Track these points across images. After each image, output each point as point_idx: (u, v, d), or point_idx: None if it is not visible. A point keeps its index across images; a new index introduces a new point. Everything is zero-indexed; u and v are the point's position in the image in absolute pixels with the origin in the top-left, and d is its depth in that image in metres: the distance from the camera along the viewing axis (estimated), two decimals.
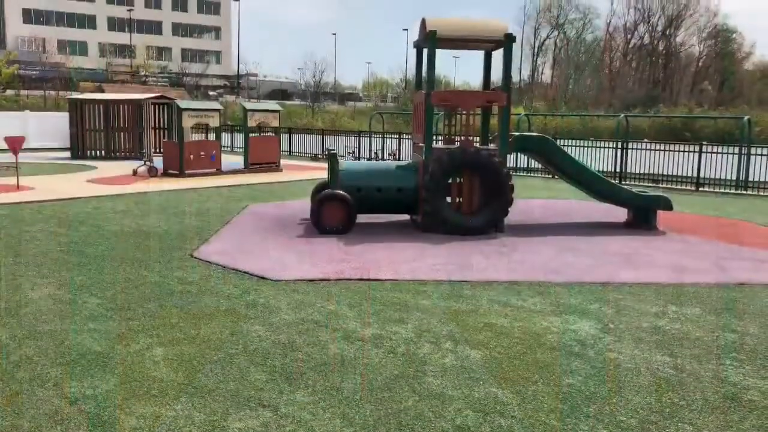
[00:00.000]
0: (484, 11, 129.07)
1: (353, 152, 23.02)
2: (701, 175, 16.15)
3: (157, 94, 23.30)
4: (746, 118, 18.42)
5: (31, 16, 75.29)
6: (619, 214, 10.62)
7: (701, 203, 13.43)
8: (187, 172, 15.82)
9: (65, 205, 10.95)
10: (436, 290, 6.19)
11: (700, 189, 16.12)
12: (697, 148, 16.40)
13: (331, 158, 9.38)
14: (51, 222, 9.30)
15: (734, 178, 16.31)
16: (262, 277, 6.48)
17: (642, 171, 17.42)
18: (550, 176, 17.86)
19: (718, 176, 16.17)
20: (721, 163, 16.13)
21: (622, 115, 22.05)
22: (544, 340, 4.88)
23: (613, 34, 76.03)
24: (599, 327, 5.20)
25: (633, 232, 9.61)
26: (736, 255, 8.07)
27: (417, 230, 9.37)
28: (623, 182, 16.67)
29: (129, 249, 7.66)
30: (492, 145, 10.03)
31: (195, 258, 7.26)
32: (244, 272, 6.67)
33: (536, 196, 13.90)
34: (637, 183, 17.03)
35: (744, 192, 15.80)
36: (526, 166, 19.33)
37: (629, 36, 75.30)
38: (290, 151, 25.51)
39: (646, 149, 17.62)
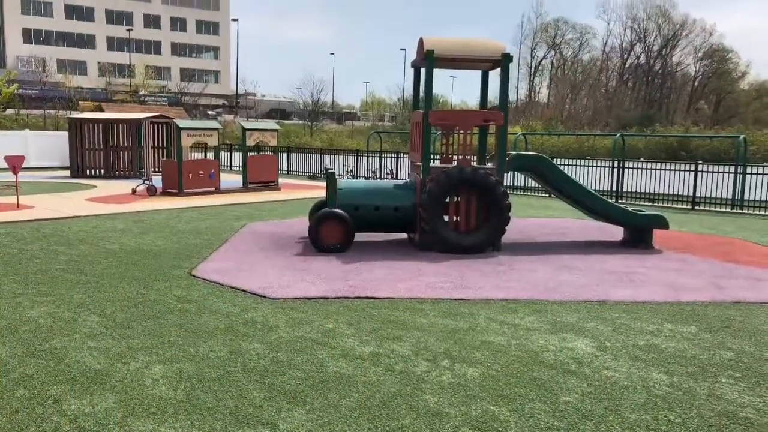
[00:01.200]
0: (481, 31, 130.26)
1: (351, 171, 23.13)
2: (697, 194, 16.25)
3: (156, 114, 23.42)
4: (742, 137, 18.57)
5: (30, 36, 75.83)
6: (616, 232, 10.69)
7: (697, 222, 13.50)
8: (186, 190, 15.89)
9: (65, 223, 10.98)
10: (434, 308, 6.22)
11: (696, 208, 16.21)
12: (692, 168, 16.52)
13: (329, 177, 9.45)
14: (50, 240, 9.33)
15: (730, 197, 16.41)
16: (261, 296, 6.51)
17: (638, 190, 17.53)
18: (547, 195, 17.95)
19: (713, 195, 16.27)
20: (716, 182, 16.24)
21: (619, 134, 22.20)
22: (541, 357, 4.91)
23: (610, 54, 76.77)
24: (596, 345, 5.23)
25: (629, 250, 9.66)
26: (732, 273, 8.12)
27: (414, 249, 9.41)
28: (619, 201, 16.76)
29: (128, 267, 7.69)
30: (489, 164, 10.12)
31: (194, 276, 7.29)
32: (243, 290, 6.70)
33: (533, 215, 13.97)
34: (633, 202, 17.12)
35: (740, 211, 15.89)
36: (523, 184, 19.44)
37: (625, 56, 76.06)
38: (288, 170, 25.62)
39: (642, 168, 17.74)
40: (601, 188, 17.64)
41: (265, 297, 6.47)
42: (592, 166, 18.58)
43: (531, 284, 7.32)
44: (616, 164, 18.02)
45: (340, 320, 5.74)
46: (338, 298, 6.52)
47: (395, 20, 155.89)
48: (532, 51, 78.37)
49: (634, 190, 17.58)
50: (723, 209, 16.10)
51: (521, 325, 5.74)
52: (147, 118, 20.43)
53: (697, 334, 5.57)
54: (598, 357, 4.95)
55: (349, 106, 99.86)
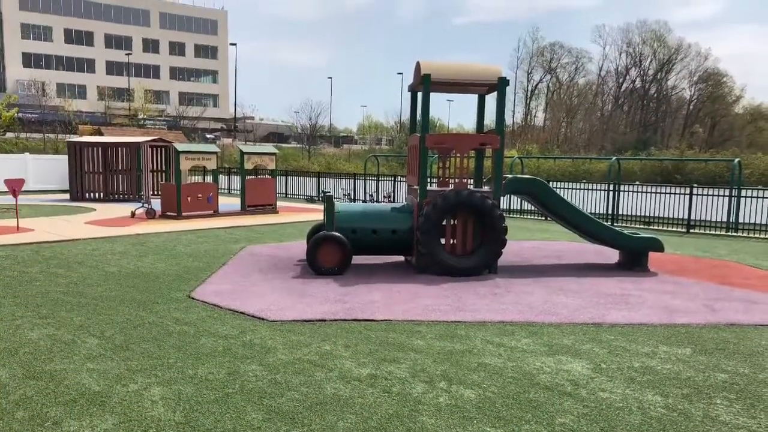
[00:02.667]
0: (477, 55, 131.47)
1: (348, 194, 23.22)
2: (692, 216, 16.36)
3: (154, 137, 23.58)
4: (737, 160, 18.74)
5: (30, 60, 76.38)
6: (611, 255, 10.76)
7: (692, 244, 13.58)
8: (184, 214, 15.95)
9: (64, 246, 11.02)
10: (431, 330, 6.27)
11: (691, 231, 16.30)
12: (687, 191, 16.65)
13: (327, 200, 9.53)
14: (50, 263, 9.37)
15: (725, 219, 16.52)
16: (259, 318, 6.55)
17: (634, 213, 17.64)
18: (543, 218, 18.04)
19: (709, 218, 16.37)
20: (711, 205, 16.36)
21: (614, 158, 22.38)
22: (537, 379, 4.95)
23: (605, 78, 77.44)
24: (591, 367, 5.27)
25: (625, 273, 9.72)
26: (727, 296, 8.18)
27: (412, 271, 9.47)
28: (615, 224, 16.85)
29: (127, 290, 7.73)
30: (485, 187, 10.21)
31: (193, 299, 7.33)
32: (242, 312, 6.74)
33: (529, 238, 14.04)
34: (628, 225, 17.22)
35: (734, 234, 15.99)
36: (519, 208, 19.53)
37: (621, 80, 76.68)
38: (286, 193, 25.71)
39: (637, 191, 17.87)
40: (598, 211, 17.75)
41: (263, 319, 6.51)
42: (589, 189, 18.71)
43: (527, 306, 7.37)
44: (612, 187, 18.15)
45: (337, 342, 5.78)
46: (336, 320, 6.56)
47: (393, 45, 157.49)
48: (528, 75, 79.02)
49: (629, 213, 17.69)
50: (718, 232, 16.20)
51: (517, 347, 5.78)
52: (146, 141, 20.57)
53: (692, 356, 5.61)
54: (594, 379, 4.99)
55: (347, 129, 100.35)
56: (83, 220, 15.39)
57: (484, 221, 9.23)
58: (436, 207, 9.09)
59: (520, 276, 9.27)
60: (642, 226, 17.07)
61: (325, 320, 6.54)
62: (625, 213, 17.78)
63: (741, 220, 16.21)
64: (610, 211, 17.83)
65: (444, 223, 9.40)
